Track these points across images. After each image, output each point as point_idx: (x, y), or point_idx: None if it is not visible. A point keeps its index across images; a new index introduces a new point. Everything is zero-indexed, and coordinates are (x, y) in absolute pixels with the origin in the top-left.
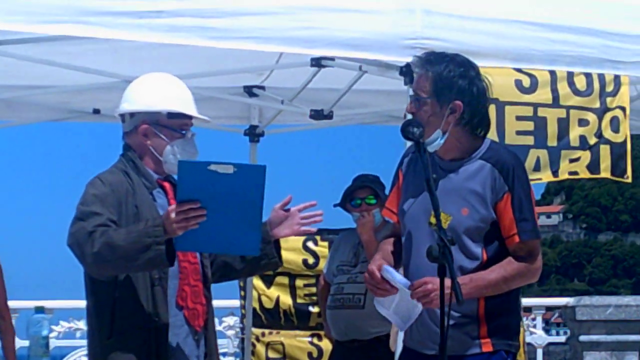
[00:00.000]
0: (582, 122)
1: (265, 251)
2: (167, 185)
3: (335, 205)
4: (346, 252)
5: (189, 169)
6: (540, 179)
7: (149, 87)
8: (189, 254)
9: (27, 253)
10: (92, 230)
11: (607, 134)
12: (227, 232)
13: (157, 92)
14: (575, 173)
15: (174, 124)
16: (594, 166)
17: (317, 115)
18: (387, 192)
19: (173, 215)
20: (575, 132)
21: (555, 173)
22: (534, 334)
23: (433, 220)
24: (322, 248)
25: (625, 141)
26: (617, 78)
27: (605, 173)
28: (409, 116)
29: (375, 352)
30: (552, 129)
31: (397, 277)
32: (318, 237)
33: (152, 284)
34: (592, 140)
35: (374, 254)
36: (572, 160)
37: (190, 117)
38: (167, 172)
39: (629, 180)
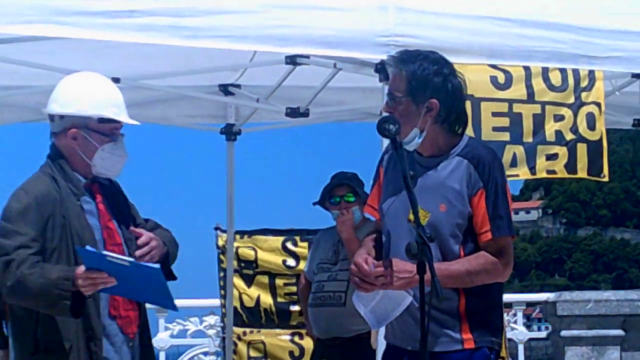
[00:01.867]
0: (557, 117)
1: None
2: (95, 187)
3: (314, 204)
4: (326, 250)
5: (89, 256)
6: (517, 175)
7: (80, 89)
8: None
9: None
10: (10, 259)
11: (583, 131)
12: (143, 294)
13: (89, 96)
14: (553, 172)
15: (104, 129)
16: (571, 166)
17: (293, 113)
18: (366, 189)
19: (80, 281)
20: (550, 127)
21: (532, 170)
22: (515, 329)
23: (412, 217)
24: (302, 249)
25: (600, 139)
26: (591, 73)
27: (582, 173)
28: (385, 114)
29: (356, 349)
30: (528, 124)
31: None
32: (297, 238)
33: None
34: (569, 136)
35: (354, 251)
36: (548, 157)
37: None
38: (96, 174)
39: (606, 179)
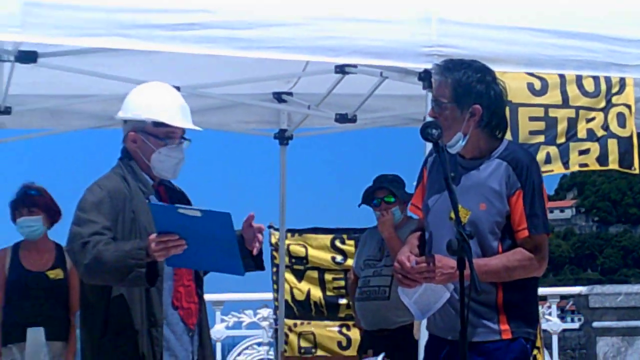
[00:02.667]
0: (589, 119)
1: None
2: (161, 189)
3: (359, 205)
4: (372, 248)
5: (160, 210)
6: (552, 170)
7: (141, 96)
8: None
9: None
10: (87, 240)
11: (614, 128)
12: (211, 257)
13: (147, 102)
14: (585, 165)
15: (159, 132)
16: (602, 158)
17: (341, 119)
18: (407, 189)
19: (153, 245)
20: (582, 127)
21: (565, 164)
22: (550, 321)
23: (453, 215)
24: (349, 247)
25: (631, 136)
26: (622, 80)
27: (613, 165)
28: (429, 119)
29: (401, 340)
30: (562, 127)
31: None
32: (345, 236)
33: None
34: (600, 133)
35: (396, 248)
36: (581, 152)
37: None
38: (156, 175)
39: (637, 171)
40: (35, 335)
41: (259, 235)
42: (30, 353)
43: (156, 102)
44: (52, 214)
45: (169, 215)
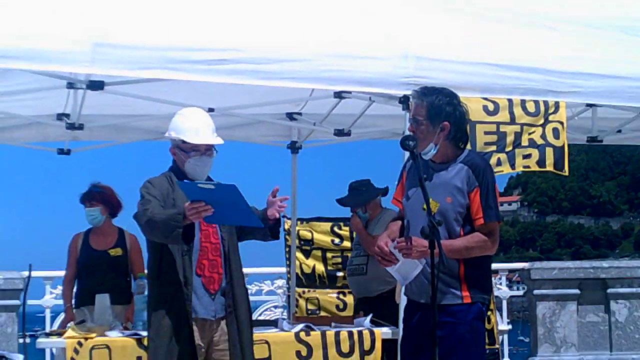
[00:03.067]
0: (531, 133)
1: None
2: None
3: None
4: (356, 237)
5: (186, 186)
6: (502, 171)
7: (177, 119)
8: (210, 236)
9: None
10: (146, 208)
11: (550, 139)
12: (233, 216)
13: (179, 124)
14: (528, 167)
15: (186, 147)
16: (541, 162)
17: (339, 133)
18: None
19: (187, 211)
20: (525, 137)
21: (512, 166)
22: (500, 289)
23: (425, 207)
24: (345, 231)
25: (563, 146)
26: (557, 103)
27: (549, 167)
28: (407, 133)
29: (381, 305)
30: (510, 139)
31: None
32: (341, 224)
33: (182, 254)
34: (539, 142)
35: (364, 238)
36: (524, 157)
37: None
38: (191, 178)
39: (566, 173)
40: (102, 300)
41: (280, 204)
42: (97, 314)
43: (185, 124)
44: (111, 206)
45: (193, 189)
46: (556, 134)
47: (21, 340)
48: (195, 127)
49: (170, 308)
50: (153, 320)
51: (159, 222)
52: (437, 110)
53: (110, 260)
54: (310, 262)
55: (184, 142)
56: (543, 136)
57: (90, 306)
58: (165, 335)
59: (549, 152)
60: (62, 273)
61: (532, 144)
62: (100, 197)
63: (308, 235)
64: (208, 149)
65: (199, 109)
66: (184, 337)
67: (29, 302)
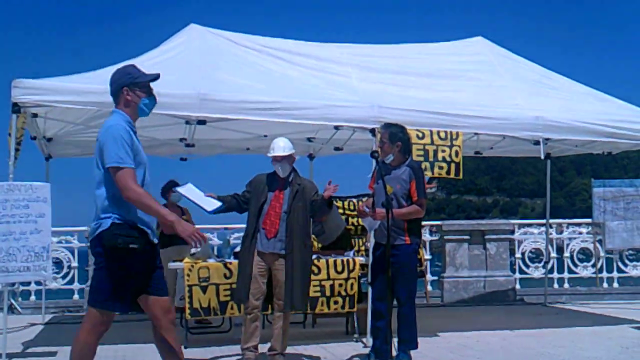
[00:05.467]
0: (443, 152)
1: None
2: (281, 190)
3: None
4: None
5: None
6: (427, 174)
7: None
8: (276, 209)
9: None
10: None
11: (453, 158)
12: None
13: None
14: (440, 174)
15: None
16: (448, 172)
17: (337, 149)
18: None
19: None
20: (440, 155)
21: (432, 172)
22: (424, 235)
23: (387, 189)
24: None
25: (459, 161)
26: (457, 133)
27: (452, 175)
28: (374, 148)
29: (341, 240)
30: (431, 155)
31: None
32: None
33: (257, 218)
34: (447, 159)
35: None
36: (439, 167)
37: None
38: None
39: (461, 177)
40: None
41: (332, 187)
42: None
43: (271, 146)
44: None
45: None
46: (457, 154)
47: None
48: (277, 145)
49: (247, 244)
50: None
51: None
52: (394, 136)
53: None
54: None
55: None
56: (450, 155)
57: (169, 247)
58: (243, 258)
59: (452, 166)
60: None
61: (443, 159)
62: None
63: None
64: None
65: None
66: (251, 260)
67: None
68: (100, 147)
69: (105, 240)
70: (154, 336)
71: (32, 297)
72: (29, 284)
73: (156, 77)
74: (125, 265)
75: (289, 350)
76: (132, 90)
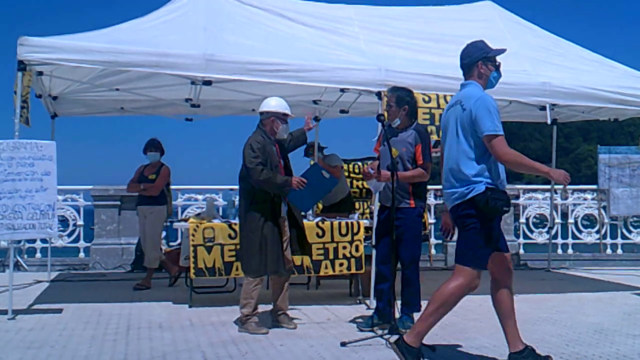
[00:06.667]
0: None
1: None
2: (277, 145)
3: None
4: None
5: (313, 168)
6: (432, 137)
7: (273, 101)
8: (281, 169)
9: None
10: (262, 168)
11: None
12: (316, 190)
13: (274, 103)
14: None
15: (281, 117)
16: None
17: (343, 111)
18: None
19: (293, 181)
20: None
21: (438, 135)
22: (429, 199)
23: (392, 153)
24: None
25: None
26: None
27: None
28: (380, 111)
29: (345, 203)
30: (437, 118)
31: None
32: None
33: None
34: None
35: (329, 168)
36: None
37: (286, 115)
38: (277, 137)
39: None
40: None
41: (309, 121)
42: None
43: (279, 104)
44: (161, 151)
45: (314, 170)
46: None
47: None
48: (284, 104)
49: (274, 211)
50: (251, 212)
51: (277, 183)
52: (401, 99)
53: (149, 181)
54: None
55: (284, 114)
56: None
57: (145, 206)
58: (270, 226)
59: None
60: (182, 187)
61: None
62: (156, 145)
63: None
64: (285, 119)
65: (277, 97)
66: (282, 227)
67: None
68: (471, 116)
69: (481, 203)
70: (492, 291)
71: (38, 255)
72: (34, 241)
73: (503, 51)
74: (493, 227)
75: (293, 311)
76: (485, 64)
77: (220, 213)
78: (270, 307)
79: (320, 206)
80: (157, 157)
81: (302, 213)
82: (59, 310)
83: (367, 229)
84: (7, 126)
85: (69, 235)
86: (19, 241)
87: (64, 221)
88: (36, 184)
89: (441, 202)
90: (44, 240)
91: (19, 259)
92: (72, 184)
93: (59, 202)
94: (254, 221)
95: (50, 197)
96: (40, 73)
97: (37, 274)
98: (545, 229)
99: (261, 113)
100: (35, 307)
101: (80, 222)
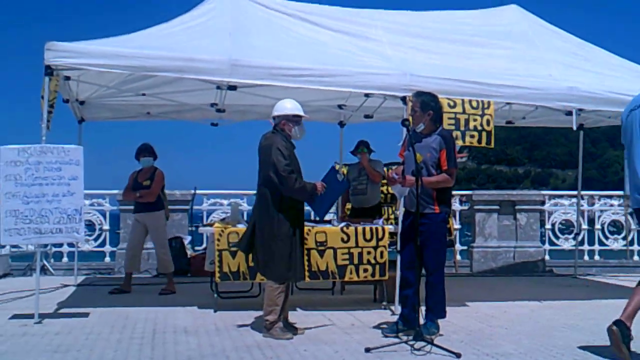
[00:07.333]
0: (475, 120)
1: None
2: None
3: (350, 152)
4: (354, 172)
5: (332, 172)
6: (458, 142)
7: (284, 104)
8: None
9: None
10: (295, 177)
11: (484, 126)
12: (323, 204)
13: (287, 106)
14: (472, 143)
15: (296, 119)
16: (479, 141)
17: (367, 117)
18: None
19: (318, 187)
20: (471, 124)
21: (463, 140)
22: (454, 205)
23: (417, 158)
24: (344, 170)
25: (491, 130)
26: (489, 102)
27: (483, 144)
28: (405, 116)
29: (371, 211)
30: (462, 124)
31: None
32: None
33: None
34: (479, 128)
35: (370, 171)
36: (471, 136)
37: (301, 116)
38: (293, 139)
39: (492, 146)
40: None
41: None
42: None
43: (291, 106)
44: (154, 156)
45: (332, 174)
46: (488, 123)
47: (190, 228)
48: (296, 107)
49: (299, 219)
50: (280, 219)
51: (307, 190)
52: (426, 104)
53: (143, 187)
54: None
55: (295, 115)
56: (481, 124)
57: (143, 213)
58: (293, 236)
59: (484, 135)
60: (208, 192)
61: (475, 128)
62: (149, 150)
63: (344, 170)
64: (298, 120)
65: (292, 99)
66: (302, 236)
67: (195, 207)
68: None
69: None
70: None
71: (65, 259)
72: (61, 245)
73: None
74: None
75: (317, 316)
76: None
77: (245, 218)
78: (296, 312)
79: (349, 206)
80: (150, 162)
81: (325, 218)
82: (85, 315)
83: (392, 235)
84: (33, 131)
85: (95, 239)
86: (46, 245)
87: (90, 225)
88: (63, 188)
89: (467, 207)
90: (70, 245)
91: (46, 263)
92: (98, 189)
93: (86, 206)
94: (284, 227)
95: (77, 202)
96: (68, 78)
97: (63, 278)
98: (572, 235)
99: (273, 117)
100: (62, 311)
101: (107, 226)
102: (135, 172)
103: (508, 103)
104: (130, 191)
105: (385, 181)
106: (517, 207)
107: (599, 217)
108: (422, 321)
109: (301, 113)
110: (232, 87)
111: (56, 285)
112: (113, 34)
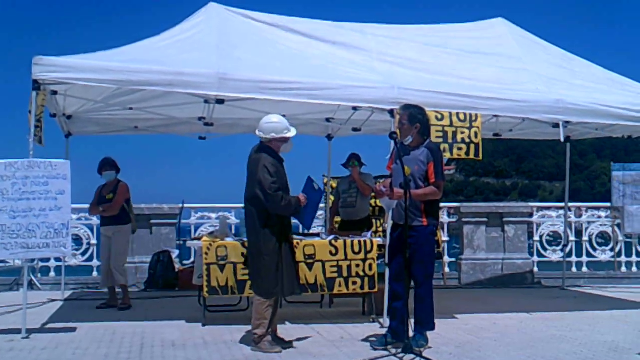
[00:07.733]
0: (462, 133)
1: None
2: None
3: (342, 165)
4: (345, 185)
5: (309, 183)
6: (445, 155)
7: (273, 125)
8: None
9: None
10: (282, 196)
11: (472, 139)
12: (306, 215)
13: (276, 127)
14: (460, 155)
15: (283, 139)
16: (467, 153)
17: (355, 130)
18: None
19: (301, 200)
20: (459, 136)
21: (451, 153)
22: (443, 217)
23: (405, 171)
24: (333, 183)
25: (479, 142)
26: (476, 115)
27: (471, 156)
28: (393, 129)
29: (364, 224)
30: (450, 136)
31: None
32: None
33: None
34: (467, 140)
35: (361, 184)
36: (458, 149)
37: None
38: (281, 157)
39: (480, 159)
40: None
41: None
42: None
43: (279, 128)
44: (117, 169)
45: (309, 186)
46: (476, 135)
47: (178, 242)
48: (284, 125)
49: (287, 233)
50: (266, 235)
51: (293, 206)
52: (413, 117)
53: (107, 201)
54: (332, 197)
55: (283, 138)
56: (469, 136)
57: (108, 226)
58: (287, 249)
59: (472, 147)
60: (196, 205)
61: (462, 141)
62: (111, 163)
63: (334, 184)
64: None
65: (278, 115)
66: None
67: (183, 221)
68: None
69: None
70: None
71: (52, 274)
72: (48, 260)
73: None
74: None
75: (306, 330)
76: None
77: (233, 231)
78: (285, 325)
79: (338, 219)
80: (113, 176)
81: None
82: (73, 329)
83: (380, 247)
84: (22, 145)
85: (83, 254)
86: (33, 260)
87: (77, 240)
88: (50, 203)
89: (455, 220)
90: (57, 259)
91: (33, 277)
92: (86, 203)
93: (73, 221)
94: (270, 243)
95: (64, 216)
96: (55, 92)
97: (50, 293)
98: (560, 247)
99: (260, 138)
100: (49, 326)
101: (94, 241)
102: (100, 186)
103: (495, 116)
104: (95, 206)
105: (373, 194)
106: (505, 219)
107: (587, 228)
108: (411, 334)
109: (289, 135)
110: (220, 101)
111: (43, 300)
112: (101, 48)
